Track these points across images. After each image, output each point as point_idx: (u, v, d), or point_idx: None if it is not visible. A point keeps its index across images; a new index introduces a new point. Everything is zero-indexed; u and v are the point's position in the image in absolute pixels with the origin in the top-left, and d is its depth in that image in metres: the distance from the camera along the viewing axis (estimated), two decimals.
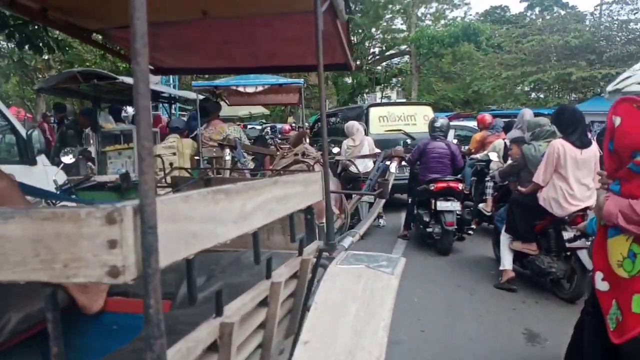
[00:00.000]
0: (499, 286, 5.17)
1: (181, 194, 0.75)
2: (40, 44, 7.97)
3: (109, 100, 7.54)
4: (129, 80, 6.16)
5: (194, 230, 0.77)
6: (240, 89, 6.23)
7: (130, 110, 12.35)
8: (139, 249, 0.61)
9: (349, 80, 29.13)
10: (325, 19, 2.05)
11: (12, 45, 11.65)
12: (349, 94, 27.95)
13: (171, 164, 4.25)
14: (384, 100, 28.96)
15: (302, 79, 7.05)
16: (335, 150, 6.98)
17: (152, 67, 3.03)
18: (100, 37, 2.84)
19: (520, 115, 7.04)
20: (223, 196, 0.87)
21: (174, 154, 5.46)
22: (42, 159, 4.39)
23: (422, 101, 18.15)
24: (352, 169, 6.80)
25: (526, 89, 25.33)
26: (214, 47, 2.70)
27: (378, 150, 6.94)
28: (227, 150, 4.07)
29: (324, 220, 3.12)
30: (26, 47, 8.14)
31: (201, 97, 6.42)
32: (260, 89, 6.21)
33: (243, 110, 13.02)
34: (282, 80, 6.81)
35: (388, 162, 3.84)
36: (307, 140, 5.02)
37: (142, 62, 0.63)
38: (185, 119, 8.33)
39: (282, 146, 4.44)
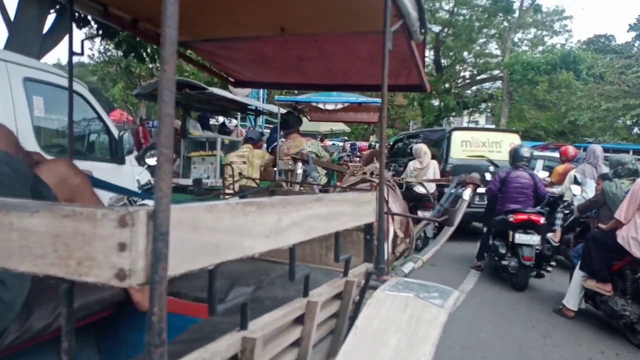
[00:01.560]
0: (555, 311, 5.26)
1: (205, 203, 0.76)
2: (144, 54, 8.60)
3: (199, 109, 7.94)
4: (218, 91, 6.46)
5: (218, 241, 0.77)
6: (321, 105, 6.32)
7: (234, 121, 12.86)
8: (149, 254, 0.61)
9: (436, 102, 28.65)
10: (399, 40, 2.02)
11: (120, 54, 12.64)
12: (435, 117, 27.42)
13: (240, 173, 4.37)
14: (471, 125, 28.09)
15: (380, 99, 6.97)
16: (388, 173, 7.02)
17: (232, 80, 3.15)
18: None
19: (591, 150, 6.99)
20: (254, 209, 0.87)
21: (244, 162, 5.62)
22: (130, 159, 4.69)
23: (509, 128, 17.44)
24: (416, 189, 6.91)
25: (628, 122, 23.58)
26: (290, 63, 2.75)
27: (438, 174, 7.60)
28: (300, 164, 4.12)
29: (386, 242, 3.06)
30: (131, 55, 8.82)
31: (283, 111, 6.60)
32: (340, 106, 6.26)
33: (324, 127, 13.20)
34: (362, 99, 6.82)
35: (462, 189, 3.69)
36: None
37: (169, 70, 0.64)
38: (261, 131, 8.59)
39: (352, 164, 4.42)
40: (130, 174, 4.57)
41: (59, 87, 4.04)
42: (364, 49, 2.41)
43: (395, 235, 3.04)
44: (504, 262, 6.14)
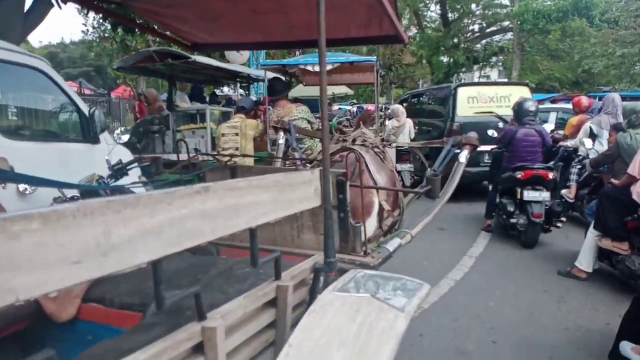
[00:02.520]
0: (564, 274, 4.92)
1: None
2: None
3: (186, 80, 7.59)
4: (201, 59, 6.10)
5: None
6: (309, 67, 5.89)
7: (226, 90, 12.36)
8: None
9: (444, 58, 27.82)
10: None
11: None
12: (444, 74, 26.62)
13: (196, 149, 4.06)
14: (482, 80, 27.25)
15: (375, 57, 6.49)
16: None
17: (188, 43, 2.80)
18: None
19: (609, 99, 6.55)
20: (37, 226, 0.55)
21: (237, 134, 5.30)
22: (105, 136, 4.39)
23: (518, 81, 16.75)
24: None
25: None
26: (245, 20, 2.39)
27: (413, 131, 8.84)
28: (281, 134, 3.78)
29: (369, 220, 2.74)
30: (119, 28, 8.45)
31: (272, 76, 6.23)
32: (329, 67, 5.82)
33: (327, 91, 12.67)
34: (352, 57, 6.35)
35: (457, 151, 3.34)
36: (379, 123, 4.71)
37: None
38: (255, 99, 8.23)
39: (345, 129, 4.06)
40: (106, 153, 4.28)
41: (13, 63, 3.71)
42: None
43: (381, 208, 2.72)
44: (513, 220, 5.92)
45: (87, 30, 19.22)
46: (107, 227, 0.65)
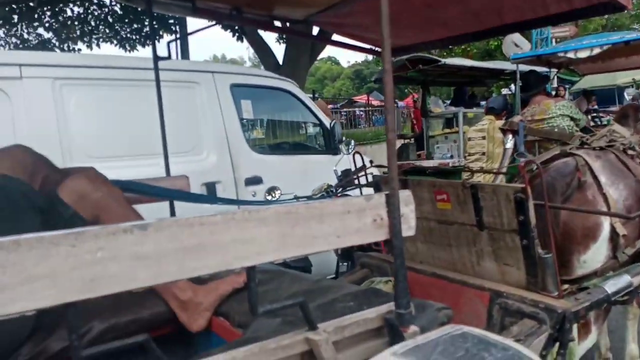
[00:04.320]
0: None
1: None
2: None
3: (440, 84, 7.39)
4: (451, 61, 5.88)
5: None
6: (570, 54, 4.90)
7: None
8: None
9: None
10: None
11: None
12: None
13: (371, 161, 3.75)
14: None
15: None
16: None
17: (378, 50, 2.69)
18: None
19: None
20: None
21: (484, 137, 4.86)
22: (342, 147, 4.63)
23: None
24: None
25: None
26: (420, 17, 2.12)
27: None
28: (509, 136, 3.23)
29: (593, 246, 2.10)
30: None
31: (527, 69, 5.48)
32: (597, 50, 4.71)
33: (623, 78, 10.56)
34: (628, 36, 4.96)
35: None
36: None
37: None
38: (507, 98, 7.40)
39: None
40: (347, 163, 4.51)
41: (267, 87, 4.26)
42: None
43: (615, 234, 2.05)
44: None
45: None
46: None
